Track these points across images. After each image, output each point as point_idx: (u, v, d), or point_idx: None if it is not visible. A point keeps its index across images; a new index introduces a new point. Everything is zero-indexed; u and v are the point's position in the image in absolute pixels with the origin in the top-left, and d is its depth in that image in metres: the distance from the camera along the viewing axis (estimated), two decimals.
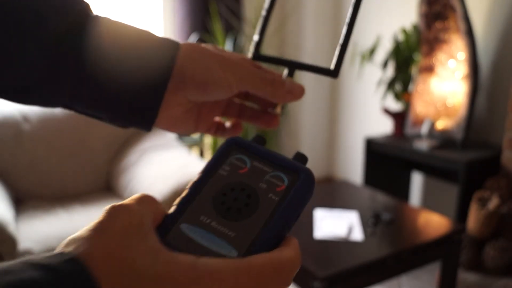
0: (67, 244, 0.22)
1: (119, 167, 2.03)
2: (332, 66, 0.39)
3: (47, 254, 0.21)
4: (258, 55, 0.39)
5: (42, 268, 0.20)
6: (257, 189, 0.28)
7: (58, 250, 0.22)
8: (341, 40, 0.39)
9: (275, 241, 0.27)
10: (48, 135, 1.96)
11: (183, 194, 0.29)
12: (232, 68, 0.35)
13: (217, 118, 0.42)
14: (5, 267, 0.20)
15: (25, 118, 1.94)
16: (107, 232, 0.23)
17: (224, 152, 0.30)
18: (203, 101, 0.37)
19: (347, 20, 0.39)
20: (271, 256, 0.25)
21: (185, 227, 0.27)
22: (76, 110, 0.35)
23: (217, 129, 0.42)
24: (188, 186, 0.29)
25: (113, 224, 0.23)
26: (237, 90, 0.36)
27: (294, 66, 0.39)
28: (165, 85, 0.34)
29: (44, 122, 1.96)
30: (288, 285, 0.25)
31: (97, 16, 0.34)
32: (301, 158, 0.31)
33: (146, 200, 0.26)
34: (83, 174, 2.02)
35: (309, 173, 0.29)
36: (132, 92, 0.34)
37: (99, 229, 0.23)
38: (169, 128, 0.38)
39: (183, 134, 0.39)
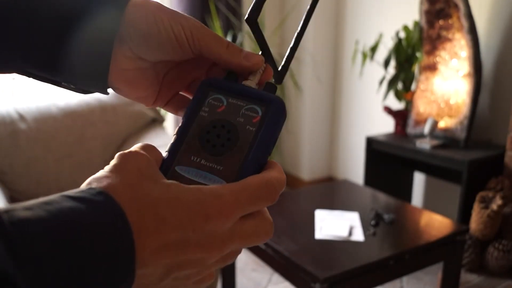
0: (89, 183, 0.26)
1: None
2: (279, 68, 0.37)
3: (78, 189, 0.25)
4: (252, 20, 0.34)
5: (77, 199, 0.24)
6: (235, 123, 0.32)
7: (83, 187, 0.26)
8: (290, 46, 0.36)
9: (258, 167, 0.31)
10: (45, 134, 1.94)
11: (172, 140, 0.32)
12: (184, 23, 0.33)
13: (181, 93, 0.39)
14: (46, 199, 0.23)
15: (21, 117, 1.93)
16: (123, 171, 0.27)
17: (202, 94, 0.33)
18: (153, 57, 0.34)
19: (298, 29, 0.37)
20: (263, 176, 0.29)
21: (179, 169, 0.31)
22: (31, 75, 0.35)
23: (179, 104, 0.38)
24: (175, 131, 0.32)
25: (126, 165, 0.27)
26: (191, 51, 0.33)
27: (269, 56, 0.36)
28: (113, 36, 0.32)
29: (40, 121, 1.94)
30: (275, 201, 0.29)
31: None
32: (271, 87, 0.34)
33: (148, 148, 0.30)
34: (80, 174, 2.00)
35: (278, 101, 0.32)
36: (83, 47, 0.33)
37: (115, 169, 0.27)
38: (126, 89, 0.35)
39: (144, 102, 0.37)
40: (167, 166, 0.31)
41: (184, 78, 0.37)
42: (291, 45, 0.36)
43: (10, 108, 1.93)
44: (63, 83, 0.35)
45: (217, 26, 2.67)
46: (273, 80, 0.36)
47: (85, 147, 2.02)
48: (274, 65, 0.36)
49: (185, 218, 0.26)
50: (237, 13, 2.88)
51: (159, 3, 0.33)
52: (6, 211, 0.21)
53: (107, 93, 0.35)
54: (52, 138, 1.95)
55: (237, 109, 0.32)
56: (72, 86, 0.35)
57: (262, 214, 0.30)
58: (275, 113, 0.32)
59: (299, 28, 0.36)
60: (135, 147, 0.29)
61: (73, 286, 0.22)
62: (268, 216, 0.30)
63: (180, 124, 0.33)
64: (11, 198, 1.87)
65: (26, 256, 0.21)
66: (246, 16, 0.33)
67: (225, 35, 2.79)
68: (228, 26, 2.85)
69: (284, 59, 0.36)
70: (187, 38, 0.33)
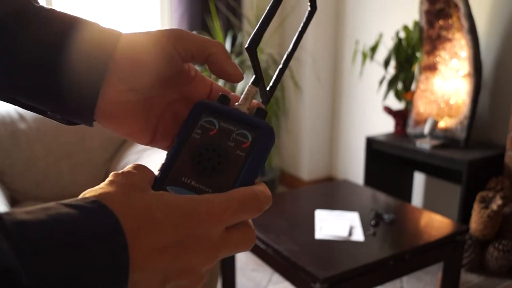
0: (84, 194, 0.27)
1: (117, 167, 2.01)
2: (267, 87, 0.38)
3: (73, 199, 0.26)
4: (252, 49, 0.35)
5: (73, 207, 0.25)
6: (226, 147, 0.33)
7: (78, 198, 0.27)
8: (279, 67, 0.38)
9: None
10: (45, 134, 1.94)
11: (165, 160, 0.33)
12: (166, 33, 0.34)
13: None
14: (44, 206, 0.24)
15: (22, 118, 1.93)
16: (116, 185, 0.28)
17: (195, 116, 0.34)
18: (141, 80, 0.34)
19: (289, 50, 0.37)
20: (250, 188, 0.31)
21: (170, 189, 0.32)
22: (18, 103, 0.35)
23: None
24: (168, 152, 0.34)
25: (120, 180, 0.29)
26: (178, 55, 0.34)
27: (261, 81, 0.37)
28: (103, 76, 0.33)
29: (40, 121, 1.94)
30: (260, 213, 0.31)
31: (40, 6, 0.34)
32: (261, 113, 0.35)
33: (140, 168, 0.31)
34: (80, 174, 2.00)
35: (267, 128, 0.33)
36: (73, 81, 0.33)
37: (109, 183, 0.28)
38: (115, 124, 0.35)
39: (135, 139, 0.37)
40: (159, 185, 0.32)
41: (179, 118, 0.38)
42: (280, 67, 0.37)
43: (10, 108, 1.93)
44: (49, 113, 0.35)
45: (217, 26, 2.67)
46: (261, 100, 0.37)
47: (86, 147, 2.02)
48: (264, 88, 0.37)
49: (179, 221, 0.27)
50: (237, 13, 2.88)
51: (141, 33, 0.34)
52: (7, 214, 0.22)
53: (92, 126, 0.36)
54: (52, 138, 1.95)
55: (228, 133, 0.33)
56: (58, 116, 0.35)
57: (246, 223, 0.32)
58: (263, 140, 0.33)
59: (289, 49, 0.37)
60: (128, 167, 0.31)
61: (71, 287, 0.23)
62: (252, 225, 0.32)
63: (173, 144, 0.34)
64: (11, 198, 1.87)
65: (29, 256, 0.21)
66: (247, 45, 0.35)
67: (225, 35, 2.79)
68: (228, 26, 2.85)
69: (272, 81, 0.37)
70: (172, 43, 0.33)
